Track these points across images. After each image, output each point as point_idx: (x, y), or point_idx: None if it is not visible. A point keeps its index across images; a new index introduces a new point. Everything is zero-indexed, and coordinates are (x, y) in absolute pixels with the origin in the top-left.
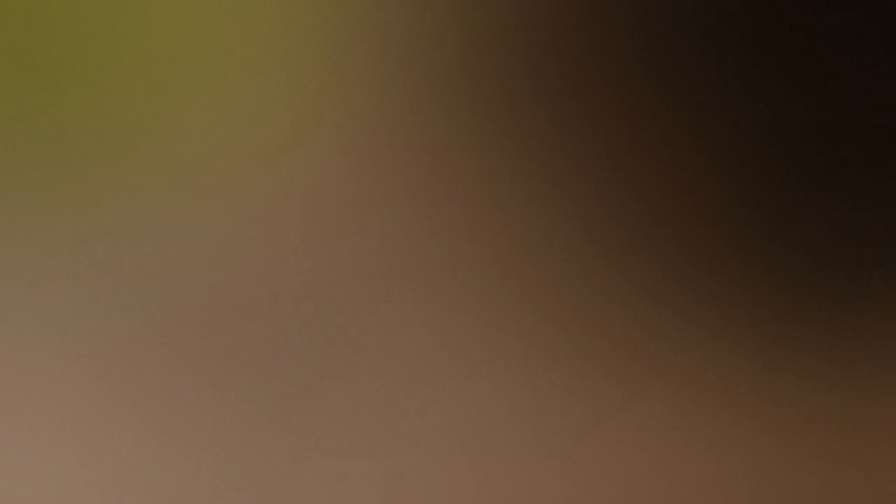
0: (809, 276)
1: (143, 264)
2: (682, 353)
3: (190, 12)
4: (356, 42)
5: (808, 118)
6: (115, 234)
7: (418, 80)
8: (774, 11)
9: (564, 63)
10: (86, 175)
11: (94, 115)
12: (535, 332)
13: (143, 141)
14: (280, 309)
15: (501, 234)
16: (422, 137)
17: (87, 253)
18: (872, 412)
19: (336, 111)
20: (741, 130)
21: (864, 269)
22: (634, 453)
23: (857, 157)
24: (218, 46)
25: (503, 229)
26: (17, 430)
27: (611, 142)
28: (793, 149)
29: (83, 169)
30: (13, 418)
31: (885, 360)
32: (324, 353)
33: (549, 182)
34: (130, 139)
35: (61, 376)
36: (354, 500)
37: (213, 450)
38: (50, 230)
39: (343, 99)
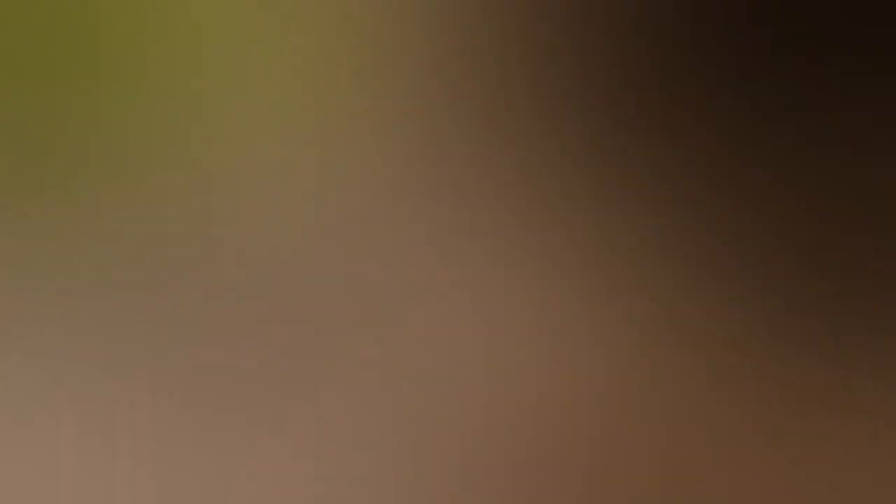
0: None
1: (158, 265)
2: (692, 351)
3: (211, 15)
4: (380, 42)
5: (819, 119)
6: (122, 234)
7: (432, 82)
8: (781, 12)
9: (595, 67)
10: (95, 175)
11: (104, 117)
12: (548, 333)
13: (159, 140)
14: (294, 311)
15: (520, 239)
16: (437, 140)
17: (97, 253)
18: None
19: (351, 113)
20: (746, 131)
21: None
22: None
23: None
24: (235, 46)
25: (523, 234)
26: (18, 431)
27: (630, 148)
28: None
29: (94, 168)
30: (14, 418)
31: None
32: (334, 355)
33: (571, 185)
34: (146, 139)
35: (65, 375)
36: (360, 502)
37: (218, 450)
38: (63, 230)
39: (359, 101)
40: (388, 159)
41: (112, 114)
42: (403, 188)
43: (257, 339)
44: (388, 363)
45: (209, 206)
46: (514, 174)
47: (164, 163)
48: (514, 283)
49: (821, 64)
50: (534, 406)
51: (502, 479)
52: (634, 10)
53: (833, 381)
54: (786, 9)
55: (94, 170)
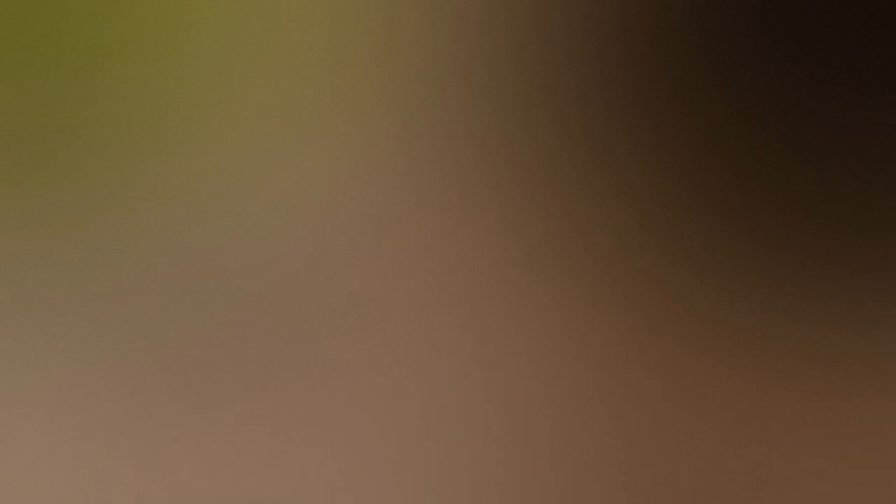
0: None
1: (152, 265)
2: (684, 350)
3: (210, 9)
4: (385, 42)
5: (815, 118)
6: (120, 234)
7: (437, 81)
8: (784, 16)
9: (581, 65)
10: (93, 171)
11: (103, 114)
12: (550, 334)
13: (158, 138)
14: (290, 311)
15: (522, 238)
16: (440, 140)
17: (96, 250)
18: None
19: (353, 113)
20: (747, 130)
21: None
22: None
23: (862, 154)
24: (233, 47)
25: (526, 233)
26: (16, 428)
27: (625, 144)
28: (800, 147)
29: (93, 166)
30: (12, 416)
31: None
32: (332, 357)
33: (566, 184)
34: (143, 138)
35: (63, 372)
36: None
37: (220, 449)
38: (62, 227)
39: (361, 101)
40: (391, 160)
41: (110, 110)
42: (406, 188)
43: (255, 337)
44: (390, 364)
45: (209, 204)
46: (518, 174)
47: (163, 160)
48: (518, 283)
49: (822, 67)
50: (536, 406)
51: (504, 479)
52: (642, 14)
53: (838, 382)
54: (788, 12)
55: (93, 167)
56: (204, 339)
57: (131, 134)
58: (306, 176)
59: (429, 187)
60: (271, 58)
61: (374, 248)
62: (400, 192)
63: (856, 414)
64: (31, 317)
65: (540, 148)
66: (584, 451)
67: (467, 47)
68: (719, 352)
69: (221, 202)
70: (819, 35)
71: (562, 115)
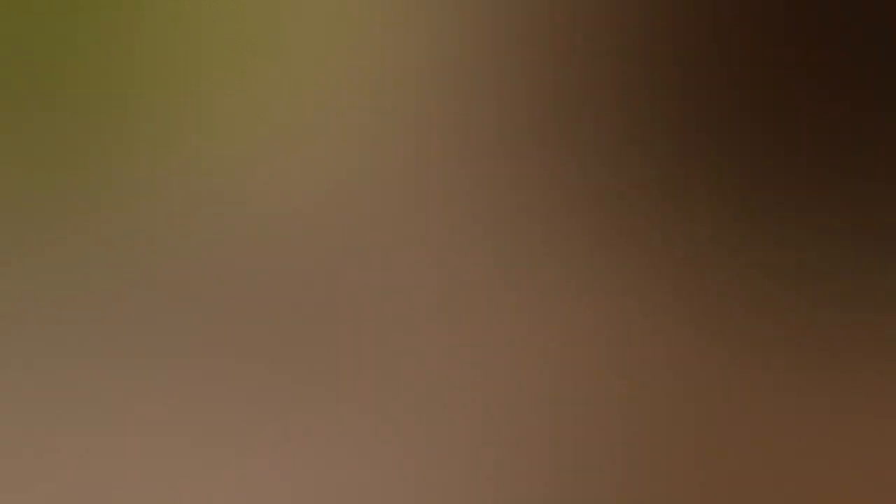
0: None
1: (150, 263)
2: (686, 352)
3: (205, 10)
4: (393, 43)
5: (814, 117)
6: (116, 229)
7: (442, 83)
8: (784, 18)
9: (581, 64)
10: (93, 169)
11: (100, 113)
12: (550, 333)
13: (156, 138)
14: (293, 301)
15: (522, 237)
16: (434, 136)
17: (96, 249)
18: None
19: (357, 112)
20: (747, 129)
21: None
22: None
23: (862, 154)
24: (231, 45)
25: (527, 231)
26: (17, 429)
27: (627, 143)
28: (801, 146)
29: (91, 164)
30: (14, 417)
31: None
32: (337, 348)
33: (567, 182)
34: (142, 138)
35: (64, 373)
36: (368, 498)
37: (222, 446)
38: (61, 218)
39: (353, 93)
40: (391, 157)
41: (107, 107)
42: (406, 185)
43: (255, 336)
44: (389, 362)
45: (211, 203)
46: (518, 172)
47: (160, 158)
48: (519, 282)
49: (824, 69)
50: (538, 406)
51: (503, 478)
52: (647, 17)
53: (841, 382)
54: (789, 14)
55: (93, 164)
56: (201, 337)
57: (130, 131)
58: (306, 174)
59: (428, 185)
60: (270, 55)
61: (374, 247)
62: (400, 189)
63: (858, 414)
64: (27, 314)
65: (540, 145)
66: (585, 451)
67: (468, 44)
68: (721, 351)
69: (220, 199)
70: (820, 35)
71: (564, 112)
